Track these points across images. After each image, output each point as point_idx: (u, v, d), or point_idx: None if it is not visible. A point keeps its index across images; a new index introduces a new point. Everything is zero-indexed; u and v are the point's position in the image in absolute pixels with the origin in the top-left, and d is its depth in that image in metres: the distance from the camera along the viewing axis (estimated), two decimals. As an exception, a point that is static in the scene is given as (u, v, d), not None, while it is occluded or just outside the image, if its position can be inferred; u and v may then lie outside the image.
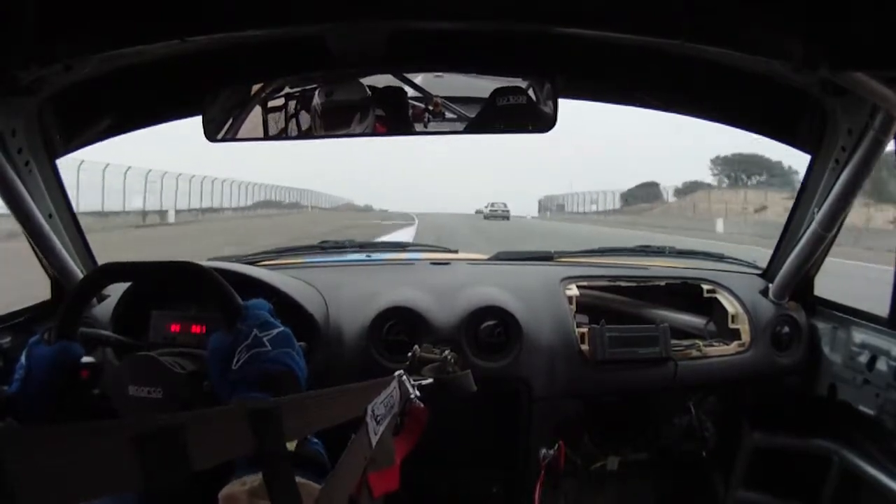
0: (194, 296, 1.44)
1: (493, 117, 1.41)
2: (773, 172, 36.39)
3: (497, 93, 1.40)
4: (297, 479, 0.75)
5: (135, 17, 1.02)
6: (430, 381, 1.12)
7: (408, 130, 1.43)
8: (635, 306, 1.89)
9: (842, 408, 1.60)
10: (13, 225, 1.47)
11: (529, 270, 1.95)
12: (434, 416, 1.08)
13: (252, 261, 1.94)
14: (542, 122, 1.40)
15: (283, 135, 1.46)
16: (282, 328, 0.98)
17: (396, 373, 1.02)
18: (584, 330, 1.68)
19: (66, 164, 1.56)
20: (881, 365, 1.47)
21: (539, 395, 1.65)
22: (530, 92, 1.42)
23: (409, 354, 1.23)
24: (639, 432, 1.87)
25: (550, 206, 48.81)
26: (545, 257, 2.06)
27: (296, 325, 1.12)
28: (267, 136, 1.46)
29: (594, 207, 42.68)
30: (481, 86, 1.43)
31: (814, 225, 1.59)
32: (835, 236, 1.61)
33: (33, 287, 1.65)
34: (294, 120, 1.45)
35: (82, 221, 1.65)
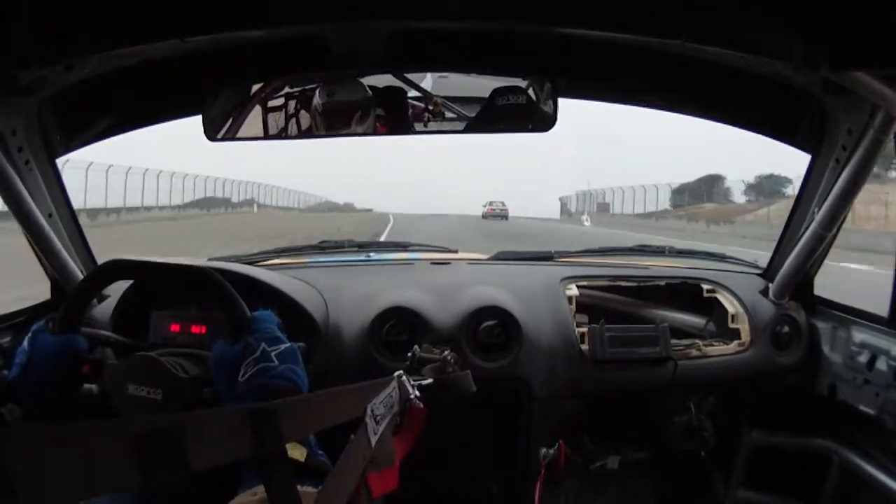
0: (194, 296, 1.44)
1: (493, 117, 1.41)
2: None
3: (497, 92, 1.40)
4: (301, 488, 0.75)
5: (135, 17, 1.02)
6: (429, 381, 1.12)
7: (408, 130, 1.44)
8: (635, 306, 1.89)
9: (842, 407, 1.60)
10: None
11: (529, 270, 1.95)
12: (434, 416, 1.08)
13: (252, 261, 1.94)
14: (542, 121, 1.41)
15: (282, 134, 1.46)
16: (289, 344, 0.99)
17: (396, 373, 1.02)
18: (584, 330, 1.68)
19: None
20: (881, 364, 1.47)
21: (539, 394, 1.65)
22: (530, 91, 1.42)
23: (409, 354, 1.23)
24: (639, 432, 1.87)
25: (585, 206, 38.70)
26: (545, 257, 2.07)
27: (296, 326, 1.13)
28: (267, 136, 1.46)
29: (640, 208, 33.88)
30: (481, 85, 1.43)
31: (814, 224, 1.59)
32: (835, 236, 1.61)
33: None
34: (294, 119, 1.45)
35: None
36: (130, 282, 1.52)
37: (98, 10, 1.00)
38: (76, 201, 1.61)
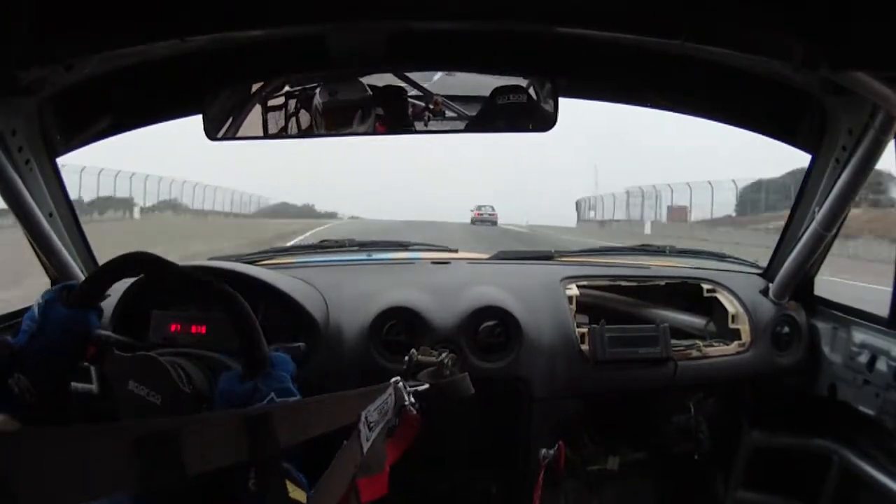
0: (194, 294, 1.44)
1: (494, 116, 1.41)
2: None
3: (497, 91, 1.40)
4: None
5: (135, 17, 1.02)
6: (425, 386, 1.11)
7: (408, 129, 1.43)
8: (635, 306, 1.89)
9: (842, 408, 1.60)
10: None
11: (530, 270, 1.95)
12: (434, 417, 1.08)
13: (252, 260, 1.94)
14: (543, 121, 1.41)
15: (282, 133, 1.46)
16: (298, 397, 0.96)
17: (392, 379, 1.02)
18: (585, 330, 1.68)
19: None
20: (881, 365, 1.47)
21: (539, 395, 1.65)
22: (531, 90, 1.42)
23: (406, 358, 1.22)
24: (639, 432, 1.87)
25: (642, 211, 27.15)
26: (545, 257, 2.06)
27: (296, 325, 1.12)
28: (267, 135, 1.46)
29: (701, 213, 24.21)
30: (482, 84, 1.43)
31: (814, 224, 1.59)
32: (835, 236, 1.61)
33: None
34: (294, 118, 1.45)
35: None
36: (131, 281, 1.52)
37: (98, 10, 1.00)
38: None
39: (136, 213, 23.45)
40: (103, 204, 21.73)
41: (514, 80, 1.41)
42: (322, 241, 2.22)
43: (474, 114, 1.44)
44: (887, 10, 0.91)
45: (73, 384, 1.07)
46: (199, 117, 1.39)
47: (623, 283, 1.86)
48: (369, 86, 1.39)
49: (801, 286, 1.77)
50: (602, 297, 1.88)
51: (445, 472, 1.77)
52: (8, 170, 1.36)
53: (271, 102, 1.45)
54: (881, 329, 1.50)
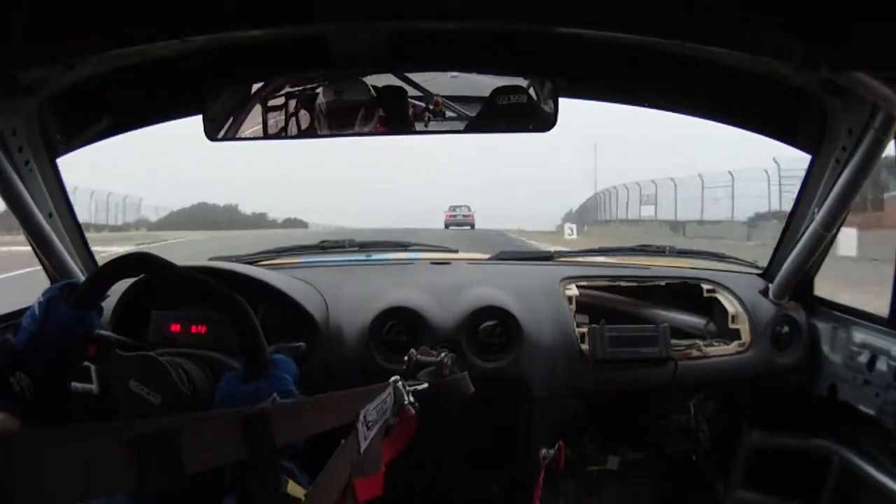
0: (194, 296, 1.44)
1: (494, 116, 1.41)
2: None
3: (497, 92, 1.40)
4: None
5: (135, 17, 1.02)
6: (425, 386, 1.11)
7: (408, 130, 1.44)
8: (635, 306, 1.89)
9: (842, 408, 1.60)
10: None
11: (530, 270, 1.95)
12: (434, 417, 1.08)
13: (252, 260, 1.94)
14: (543, 121, 1.41)
15: (283, 134, 1.46)
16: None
17: (392, 379, 1.02)
18: (585, 330, 1.68)
19: None
20: (881, 365, 1.47)
21: (539, 394, 1.65)
22: (531, 91, 1.42)
23: (406, 358, 1.22)
24: (639, 432, 1.87)
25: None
26: (545, 257, 2.07)
27: (296, 325, 1.12)
28: (267, 136, 1.46)
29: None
30: (482, 85, 1.43)
31: (814, 224, 1.59)
32: (835, 236, 1.61)
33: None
34: (294, 118, 1.45)
35: None
36: (131, 281, 1.52)
37: (98, 10, 1.00)
38: None
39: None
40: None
41: (515, 81, 1.41)
42: (322, 242, 2.22)
43: (474, 114, 1.44)
44: (887, 10, 0.91)
45: (73, 384, 1.07)
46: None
47: (623, 284, 1.86)
48: (371, 86, 1.39)
49: (800, 286, 1.77)
50: (602, 297, 1.88)
51: (446, 471, 1.77)
52: (8, 170, 1.36)
53: (271, 102, 1.45)
54: (881, 329, 1.50)
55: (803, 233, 1.65)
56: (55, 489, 0.48)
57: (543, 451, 1.68)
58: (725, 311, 1.78)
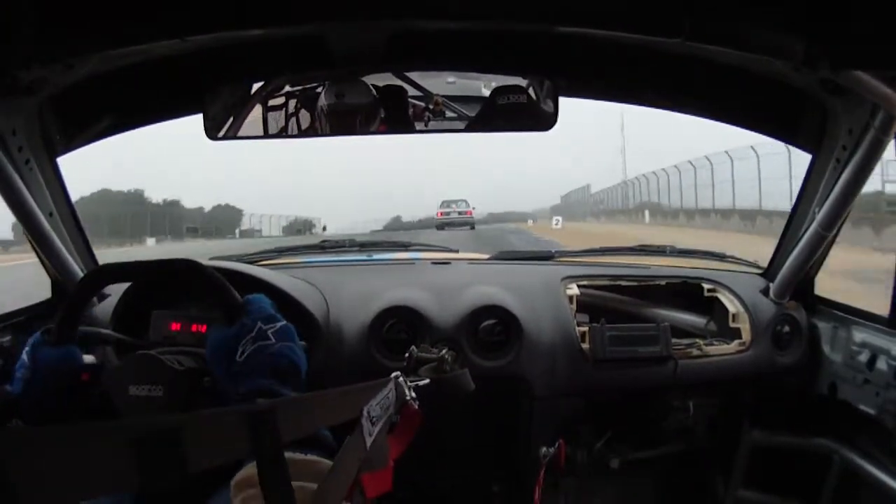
0: (195, 295, 1.44)
1: (494, 116, 1.41)
2: None
3: (497, 91, 1.40)
4: (307, 455, 0.78)
5: (135, 17, 1.02)
6: (426, 381, 1.12)
7: (408, 129, 1.44)
8: (636, 305, 1.89)
9: (842, 407, 1.60)
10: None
11: (530, 270, 1.95)
12: (434, 416, 1.08)
13: (252, 260, 1.94)
14: (543, 120, 1.41)
15: (283, 133, 1.46)
16: (284, 322, 1.00)
17: (393, 374, 1.02)
18: (585, 329, 1.68)
19: None
20: (881, 364, 1.47)
21: (539, 393, 1.65)
22: (530, 90, 1.42)
23: (407, 355, 1.23)
24: (639, 431, 1.87)
25: None
26: (546, 256, 2.07)
27: (296, 325, 1.12)
28: (267, 135, 1.46)
29: None
30: (481, 84, 1.44)
31: (814, 224, 1.59)
32: (835, 236, 1.61)
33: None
34: (294, 118, 1.45)
35: None
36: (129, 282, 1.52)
37: (98, 10, 1.00)
38: None
39: None
40: None
41: (515, 80, 1.41)
42: (322, 242, 2.23)
43: (474, 114, 1.44)
44: (887, 10, 0.91)
45: None
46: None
47: (623, 283, 1.86)
48: (371, 85, 1.39)
49: (801, 286, 1.77)
50: (602, 296, 1.88)
51: (447, 470, 1.78)
52: (8, 170, 1.36)
53: (272, 102, 1.45)
54: (881, 328, 1.50)
55: (804, 232, 1.65)
56: (59, 487, 0.48)
57: (544, 449, 1.68)
58: (726, 310, 1.78)
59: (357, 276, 1.85)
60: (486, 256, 2.14)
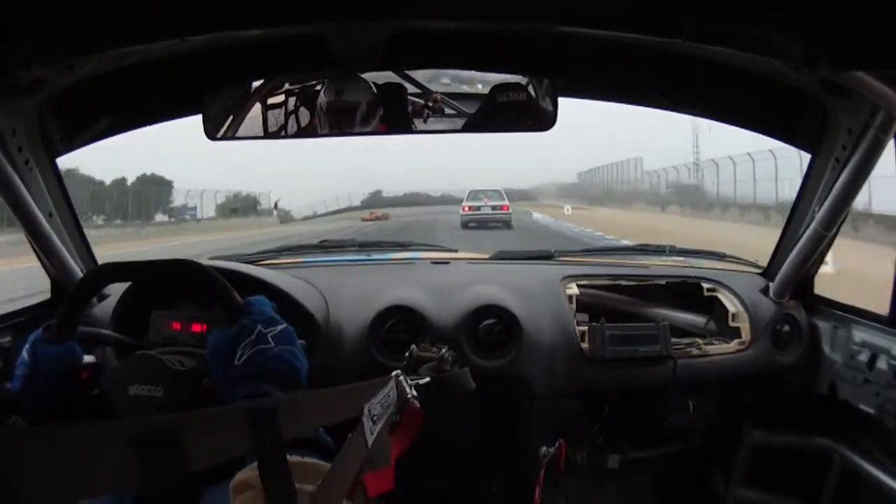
0: (194, 295, 1.44)
1: (493, 114, 1.41)
2: None
3: (497, 89, 1.39)
4: (305, 458, 0.77)
5: (135, 17, 1.02)
6: (427, 380, 1.12)
7: (407, 128, 1.43)
8: (635, 305, 1.89)
9: (842, 406, 1.60)
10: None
11: (530, 269, 1.95)
12: (434, 415, 1.08)
13: (252, 260, 1.94)
14: (542, 120, 1.40)
15: (282, 133, 1.46)
16: (285, 325, 0.99)
17: (394, 373, 1.02)
18: (585, 328, 1.68)
19: None
20: (881, 364, 1.47)
21: (539, 393, 1.65)
22: (530, 88, 1.42)
23: (407, 354, 1.23)
24: (639, 431, 1.87)
25: None
26: (545, 256, 2.07)
27: (296, 325, 1.12)
28: (267, 135, 1.46)
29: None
30: (482, 82, 1.43)
31: (814, 224, 1.59)
32: (835, 235, 1.61)
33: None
34: (294, 117, 1.45)
35: None
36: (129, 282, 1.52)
37: (98, 10, 1.00)
38: None
39: None
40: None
41: (514, 78, 1.41)
42: (322, 241, 2.23)
43: (473, 111, 1.43)
44: (887, 10, 0.91)
45: None
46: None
47: (623, 283, 1.86)
48: (371, 83, 1.39)
49: (801, 285, 1.77)
50: (602, 296, 1.88)
51: (447, 470, 1.78)
52: (8, 170, 1.36)
53: (271, 100, 1.45)
54: (881, 328, 1.50)
55: (803, 232, 1.65)
56: (59, 487, 0.48)
57: (543, 449, 1.68)
58: (726, 309, 1.78)
59: (357, 275, 1.85)
60: (486, 256, 2.14)
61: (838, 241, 1.64)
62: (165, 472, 0.55)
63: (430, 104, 1.43)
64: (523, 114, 1.41)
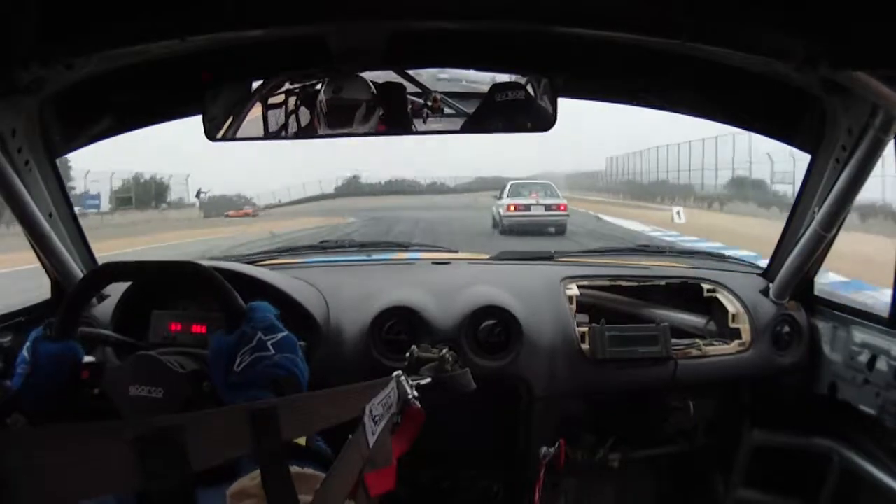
0: (195, 295, 1.45)
1: (492, 114, 1.41)
2: None
3: (496, 88, 1.39)
4: (302, 469, 0.76)
5: (135, 17, 1.02)
6: (427, 380, 1.12)
7: (407, 128, 1.43)
8: (635, 306, 1.89)
9: (842, 407, 1.60)
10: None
11: (530, 270, 1.95)
12: (434, 416, 1.08)
13: (253, 260, 1.94)
14: (542, 120, 1.40)
15: (282, 133, 1.46)
16: (286, 333, 0.99)
17: (395, 373, 1.02)
18: (585, 329, 1.68)
19: None
20: (881, 364, 1.47)
21: (539, 394, 1.65)
22: (529, 88, 1.42)
23: (408, 354, 1.23)
24: (639, 431, 1.87)
25: None
26: (545, 257, 2.07)
27: (296, 325, 1.13)
28: (267, 135, 1.46)
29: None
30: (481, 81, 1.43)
31: (814, 224, 1.59)
32: (835, 236, 1.61)
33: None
34: (294, 116, 1.45)
35: None
36: (130, 282, 1.52)
37: (98, 10, 1.00)
38: None
39: None
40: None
41: (513, 78, 1.41)
42: (322, 242, 2.23)
43: (472, 110, 1.43)
44: (887, 10, 0.91)
45: None
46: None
47: (623, 284, 1.86)
48: (371, 82, 1.39)
49: (801, 286, 1.77)
50: (602, 297, 1.88)
51: (447, 470, 1.78)
52: (8, 170, 1.36)
53: (272, 100, 1.45)
54: (881, 328, 1.50)
55: (803, 233, 1.65)
56: (59, 487, 0.48)
57: (544, 449, 1.68)
58: (726, 310, 1.78)
59: (357, 276, 1.85)
60: (486, 256, 2.14)
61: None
62: (167, 471, 0.55)
63: (430, 104, 1.43)
64: (522, 113, 1.41)
